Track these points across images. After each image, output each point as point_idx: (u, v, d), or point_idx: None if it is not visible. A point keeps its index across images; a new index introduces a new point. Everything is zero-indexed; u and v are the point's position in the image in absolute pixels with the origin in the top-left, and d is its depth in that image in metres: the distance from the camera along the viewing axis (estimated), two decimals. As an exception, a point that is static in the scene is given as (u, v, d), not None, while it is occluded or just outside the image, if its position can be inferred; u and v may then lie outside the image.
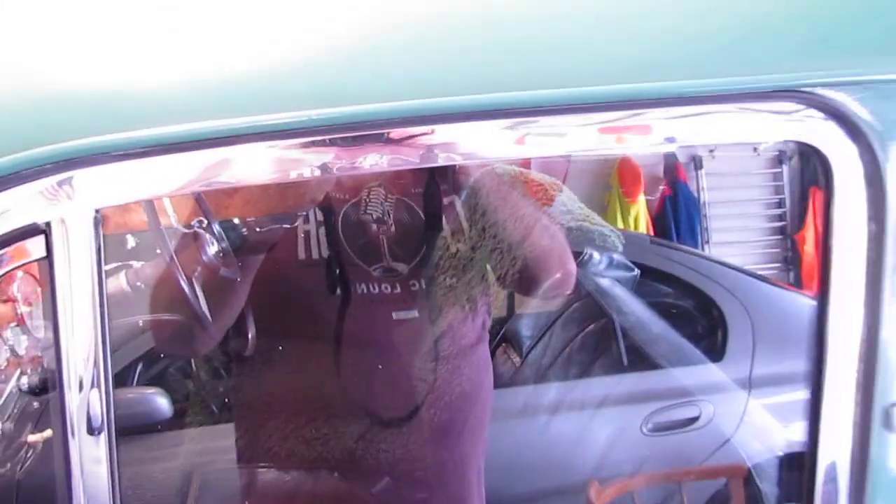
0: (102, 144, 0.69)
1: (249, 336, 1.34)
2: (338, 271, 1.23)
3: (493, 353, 2.02)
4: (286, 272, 1.26)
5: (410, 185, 1.26)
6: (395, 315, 1.26)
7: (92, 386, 0.79)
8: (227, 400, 2.16)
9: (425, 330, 1.26)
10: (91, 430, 0.80)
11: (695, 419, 2.12)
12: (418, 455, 1.34)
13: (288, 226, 1.20)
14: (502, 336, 2.10)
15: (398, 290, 1.26)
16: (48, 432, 1.78)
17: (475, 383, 1.36)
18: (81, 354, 0.77)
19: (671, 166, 4.19)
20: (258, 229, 1.23)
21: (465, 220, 1.27)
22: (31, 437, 1.77)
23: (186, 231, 2.15)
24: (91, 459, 0.80)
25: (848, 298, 0.84)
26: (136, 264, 2.12)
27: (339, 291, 1.24)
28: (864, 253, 0.82)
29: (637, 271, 1.95)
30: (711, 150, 4.10)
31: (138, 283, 2.08)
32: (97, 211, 0.72)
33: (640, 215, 4.16)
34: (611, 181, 4.10)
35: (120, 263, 2.34)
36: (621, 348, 2.01)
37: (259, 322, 1.27)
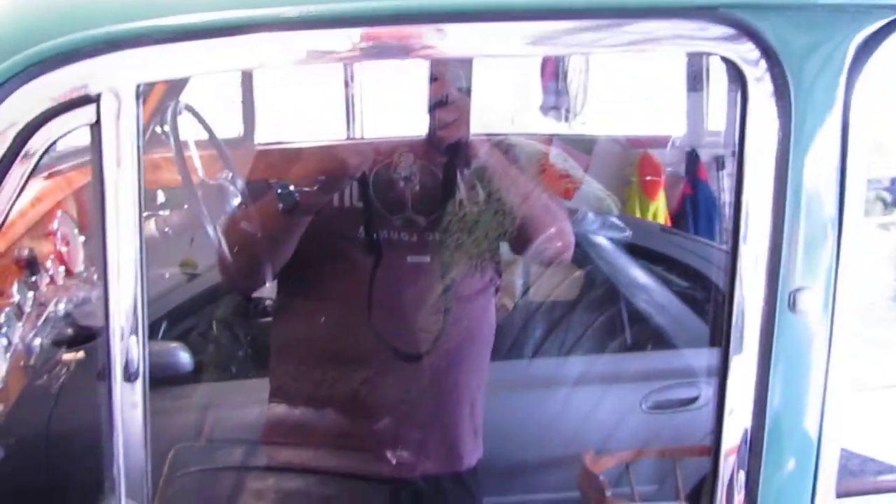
0: (145, 29, 0.89)
1: (265, 279, 1.58)
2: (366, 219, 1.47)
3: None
4: (324, 216, 1.49)
5: (436, 156, 1.50)
6: (409, 259, 1.51)
7: (131, 333, 0.98)
8: (243, 358, 2.35)
9: (435, 274, 1.49)
10: (128, 377, 0.99)
11: (694, 399, 2.23)
12: (417, 396, 1.53)
13: (332, 185, 1.45)
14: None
15: (415, 238, 1.50)
16: (81, 353, 2.00)
17: (475, 328, 1.58)
18: (126, 240, 0.96)
19: (693, 165, 4.31)
20: (307, 189, 1.47)
21: (480, 190, 1.50)
22: (66, 356, 1.98)
23: (212, 184, 2.41)
24: (129, 405, 0.98)
25: (758, 196, 1.00)
26: (165, 213, 2.34)
27: (364, 235, 1.49)
28: (773, 156, 0.99)
29: (629, 232, 2.11)
30: (734, 152, 4.21)
31: (167, 230, 2.30)
32: (139, 85, 0.92)
33: (658, 212, 4.28)
34: (631, 177, 4.24)
35: (150, 213, 2.57)
36: (624, 320, 2.11)
37: (295, 260, 1.50)
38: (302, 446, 1.59)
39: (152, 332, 2.23)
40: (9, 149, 0.93)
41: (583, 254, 2.01)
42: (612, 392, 2.18)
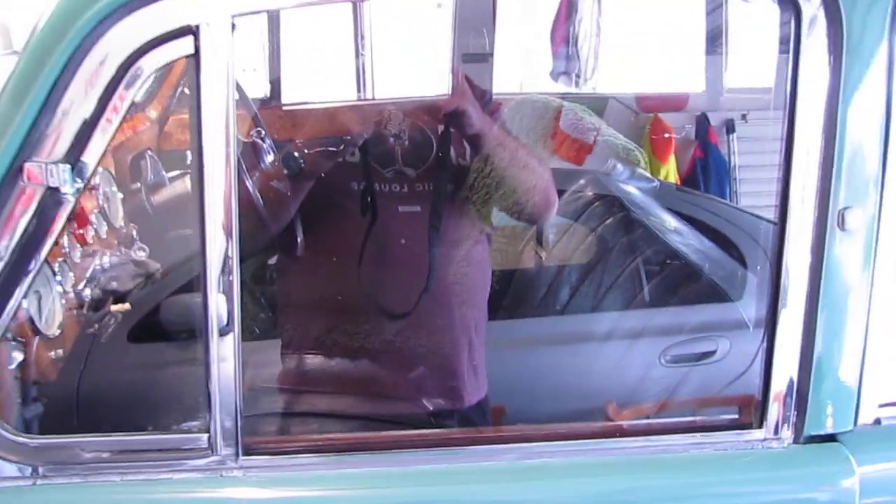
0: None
1: (299, 240, 1.67)
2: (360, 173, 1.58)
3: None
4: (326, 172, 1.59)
5: (430, 119, 1.59)
6: (400, 209, 1.61)
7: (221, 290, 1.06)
8: (265, 321, 2.43)
9: (425, 222, 1.58)
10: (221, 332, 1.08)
11: (711, 353, 2.31)
12: (413, 339, 1.63)
13: (335, 150, 1.53)
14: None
15: (406, 189, 1.61)
16: (126, 305, 2.08)
17: (467, 271, 1.68)
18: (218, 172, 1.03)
19: (703, 129, 4.38)
20: (307, 151, 1.55)
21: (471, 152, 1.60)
22: (114, 308, 2.06)
23: (246, 141, 2.49)
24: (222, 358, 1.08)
25: (812, 120, 1.08)
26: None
27: (358, 188, 1.60)
28: (826, 81, 1.06)
29: (657, 182, 2.18)
30: (744, 115, 4.29)
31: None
32: (233, 16, 0.99)
33: (670, 175, 4.36)
34: (642, 142, 4.31)
35: (184, 171, 2.64)
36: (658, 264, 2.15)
37: (304, 219, 1.58)
38: (312, 393, 1.69)
39: (186, 289, 2.30)
40: (113, 77, 1.00)
41: (615, 201, 2.08)
42: (635, 347, 2.25)
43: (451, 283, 1.64)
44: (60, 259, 1.82)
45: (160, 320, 2.05)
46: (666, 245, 2.10)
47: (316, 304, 1.67)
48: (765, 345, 1.17)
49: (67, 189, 1.02)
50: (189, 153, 2.60)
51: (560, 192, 2.06)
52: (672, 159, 4.26)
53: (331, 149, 1.55)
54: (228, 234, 1.08)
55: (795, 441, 1.17)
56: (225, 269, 1.09)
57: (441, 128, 1.57)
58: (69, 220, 1.95)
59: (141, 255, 2.29)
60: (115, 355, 2.10)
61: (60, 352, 1.73)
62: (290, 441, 1.20)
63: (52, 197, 1.03)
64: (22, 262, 1.05)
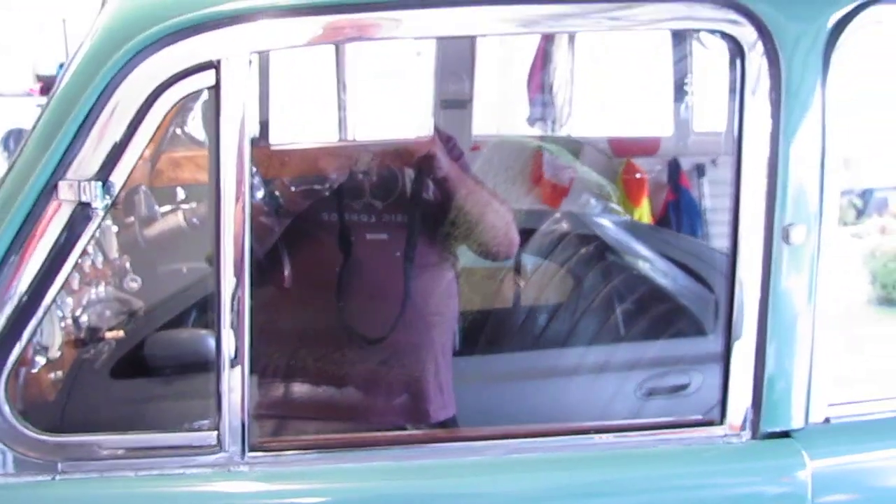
0: (259, 7, 1.12)
1: (286, 273, 1.82)
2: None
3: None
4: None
5: (404, 163, 1.79)
6: (368, 236, 1.79)
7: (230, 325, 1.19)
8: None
9: (392, 249, 1.76)
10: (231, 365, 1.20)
11: (685, 386, 2.45)
12: (384, 361, 1.79)
13: (313, 190, 1.71)
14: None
15: (373, 219, 1.80)
16: (120, 333, 2.18)
17: (434, 294, 1.84)
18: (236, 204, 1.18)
19: (675, 173, 4.60)
20: (293, 189, 1.72)
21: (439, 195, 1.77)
22: (108, 334, 2.16)
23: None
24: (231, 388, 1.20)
25: (756, 148, 1.25)
26: (189, 206, 2.53)
27: (328, 218, 1.77)
28: (768, 114, 1.24)
29: (628, 217, 2.34)
30: (714, 160, 4.51)
31: (194, 220, 2.50)
32: (251, 53, 1.14)
33: (643, 218, 4.56)
34: (616, 185, 4.51)
35: (175, 206, 2.76)
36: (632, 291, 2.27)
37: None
38: (278, 418, 1.78)
39: (182, 321, 2.40)
40: (143, 104, 1.14)
41: (588, 232, 2.24)
42: (610, 380, 2.36)
43: (418, 307, 1.79)
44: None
45: (145, 356, 2.15)
46: (641, 279, 2.24)
47: (286, 330, 1.81)
48: (723, 348, 1.31)
49: (98, 204, 1.15)
50: (179, 189, 2.73)
51: (532, 230, 2.23)
52: (645, 202, 4.46)
53: (309, 189, 1.73)
54: (239, 271, 1.21)
55: (753, 437, 1.31)
56: (235, 306, 1.22)
57: (410, 170, 1.77)
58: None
59: (133, 285, 2.40)
60: (97, 391, 2.18)
61: (60, 373, 1.84)
62: (294, 439, 1.31)
63: (83, 212, 1.16)
64: (52, 271, 1.18)
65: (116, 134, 1.15)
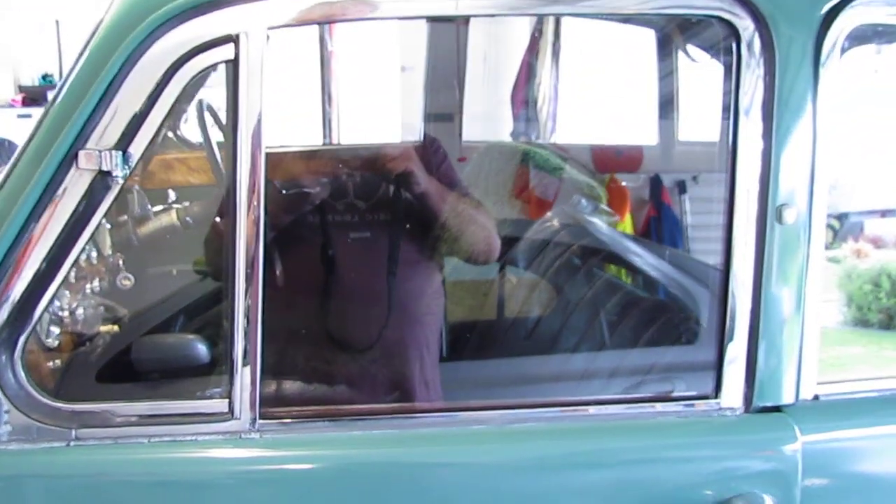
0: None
1: (278, 272, 1.85)
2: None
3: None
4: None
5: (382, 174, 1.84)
6: (352, 235, 1.83)
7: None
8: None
9: (376, 246, 1.81)
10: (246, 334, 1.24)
11: (669, 393, 2.50)
12: (369, 355, 1.81)
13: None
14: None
15: (356, 218, 1.84)
16: (115, 327, 2.19)
17: (419, 290, 1.87)
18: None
19: (657, 189, 4.70)
20: (284, 192, 1.75)
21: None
22: (103, 328, 2.17)
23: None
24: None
25: (751, 131, 1.31)
26: (185, 204, 2.56)
27: (314, 220, 1.80)
28: (762, 97, 1.30)
29: (618, 216, 2.40)
30: (695, 177, 4.62)
31: (187, 219, 2.53)
32: (268, 28, 1.19)
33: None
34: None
35: (168, 206, 2.78)
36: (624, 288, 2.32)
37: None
38: None
39: (170, 326, 2.41)
40: (163, 77, 1.18)
41: (582, 231, 2.30)
42: (596, 386, 2.41)
43: (402, 304, 1.83)
44: (59, 278, 1.95)
45: (132, 360, 2.16)
46: (639, 268, 2.30)
47: (273, 332, 1.83)
48: (718, 325, 1.37)
49: (118, 173, 1.19)
50: (171, 191, 2.75)
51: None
52: (628, 217, 4.56)
53: (293, 201, 1.75)
54: (254, 240, 1.25)
55: (746, 411, 1.37)
56: (249, 275, 1.25)
57: (397, 192, 1.80)
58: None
59: (126, 283, 2.41)
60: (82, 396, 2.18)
61: (58, 362, 1.85)
62: (303, 409, 1.34)
63: (103, 181, 1.20)
64: (71, 239, 1.21)
65: (136, 105, 1.19)
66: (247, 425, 1.25)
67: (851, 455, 1.41)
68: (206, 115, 2.66)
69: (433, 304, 1.93)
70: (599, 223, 2.37)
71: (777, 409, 1.38)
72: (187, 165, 2.66)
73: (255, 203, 1.23)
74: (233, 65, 1.20)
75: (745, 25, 1.28)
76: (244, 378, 1.25)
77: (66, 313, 1.99)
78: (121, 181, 1.21)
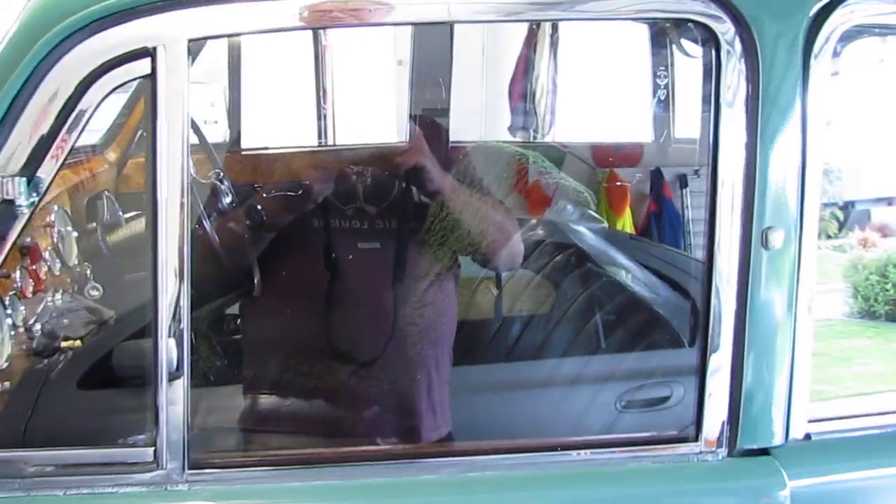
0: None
1: (256, 280, 1.71)
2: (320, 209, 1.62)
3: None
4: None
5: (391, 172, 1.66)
6: (360, 245, 1.66)
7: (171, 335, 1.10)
8: (220, 368, 2.44)
9: (385, 258, 1.64)
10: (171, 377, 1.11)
11: (666, 398, 2.37)
12: (373, 378, 1.66)
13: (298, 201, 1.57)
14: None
15: (365, 225, 1.66)
16: (77, 342, 2.07)
17: (429, 308, 1.70)
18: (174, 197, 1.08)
19: (657, 184, 4.55)
20: (270, 201, 1.59)
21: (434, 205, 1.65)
22: (64, 344, 2.06)
23: (204, 182, 2.54)
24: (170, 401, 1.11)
25: (733, 143, 1.17)
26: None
27: (318, 224, 1.63)
28: (744, 107, 1.16)
29: (605, 224, 2.26)
30: (696, 171, 4.46)
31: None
32: (189, 41, 1.05)
33: (626, 228, 4.50)
34: (599, 196, 4.45)
35: (140, 212, 2.66)
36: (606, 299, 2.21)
37: (263, 257, 1.63)
38: (267, 433, 1.67)
39: (142, 334, 2.29)
40: (72, 94, 1.05)
41: (565, 239, 2.16)
42: (590, 392, 2.29)
43: (411, 320, 1.67)
44: (11, 293, 1.83)
45: (112, 366, 2.04)
46: (620, 289, 2.17)
47: (274, 342, 1.70)
48: (699, 360, 1.23)
49: (23, 201, 1.06)
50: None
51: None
52: (628, 212, 4.41)
53: (293, 200, 1.59)
54: (180, 275, 1.12)
55: (730, 454, 1.22)
56: (176, 315, 1.12)
57: (408, 189, 1.62)
58: (21, 255, 1.99)
59: (94, 293, 2.29)
60: (64, 402, 2.08)
61: (7, 384, 1.73)
62: (239, 455, 1.22)
63: (7, 210, 1.07)
64: (-26, 275, 1.08)
65: (44, 126, 1.05)
66: (175, 475, 1.12)
67: (847, 501, 1.27)
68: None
69: (445, 321, 1.75)
70: (585, 231, 2.22)
71: (764, 451, 1.23)
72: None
73: (181, 238, 1.10)
74: (150, 81, 1.06)
75: (725, 29, 1.13)
76: (172, 423, 1.13)
77: (21, 330, 1.88)
78: (26, 210, 1.07)
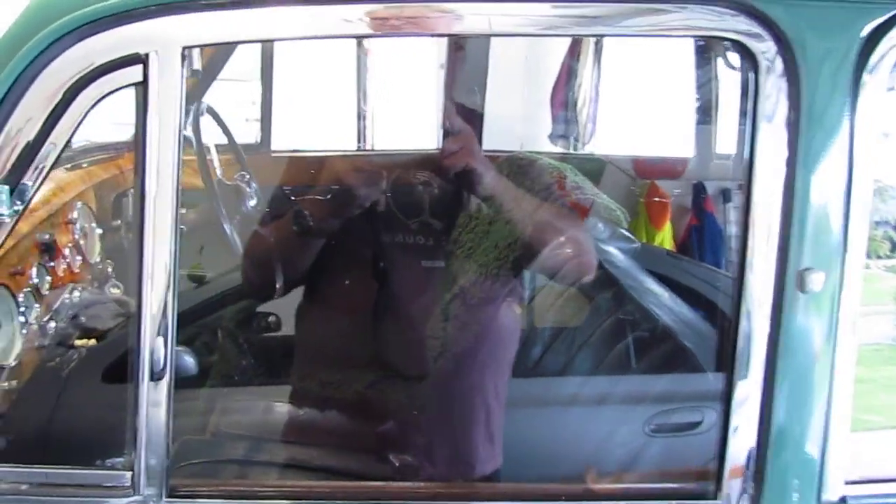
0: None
1: (277, 285, 1.61)
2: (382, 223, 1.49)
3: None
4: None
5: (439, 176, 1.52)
6: (423, 263, 1.51)
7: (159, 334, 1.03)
8: (246, 368, 2.38)
9: (448, 279, 1.50)
10: (154, 377, 1.04)
11: (697, 423, 2.25)
12: (425, 400, 1.56)
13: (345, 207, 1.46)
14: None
15: (431, 242, 1.51)
16: (92, 341, 2.03)
17: (488, 333, 1.58)
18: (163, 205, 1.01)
19: (699, 197, 4.38)
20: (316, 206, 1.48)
21: (486, 209, 1.51)
22: (78, 342, 2.01)
23: (229, 184, 2.46)
24: (153, 403, 1.04)
25: (770, 164, 1.05)
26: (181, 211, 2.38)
27: (379, 239, 1.50)
28: (784, 127, 1.04)
29: (638, 244, 2.14)
30: (740, 185, 4.30)
31: (181, 227, 2.34)
32: (184, 48, 0.98)
33: (665, 242, 4.35)
34: (638, 208, 4.31)
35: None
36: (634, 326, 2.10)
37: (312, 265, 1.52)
38: (315, 446, 1.58)
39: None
40: (60, 101, 0.98)
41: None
42: (618, 413, 2.19)
43: (470, 347, 1.54)
44: (27, 290, 1.79)
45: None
46: (649, 312, 2.05)
47: (324, 355, 1.60)
48: (721, 412, 1.12)
49: (4, 211, 0.99)
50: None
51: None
52: (668, 226, 4.25)
53: (339, 211, 1.48)
54: (170, 273, 1.05)
55: (750, 518, 1.11)
56: (165, 311, 1.05)
57: (458, 191, 1.49)
58: (40, 251, 1.94)
59: (115, 292, 2.25)
60: (89, 396, 2.04)
61: (14, 383, 1.69)
62: (222, 484, 1.14)
63: (-12, 221, 1.01)
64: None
65: (29, 133, 0.99)
66: (151, 502, 1.05)
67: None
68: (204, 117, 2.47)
69: (508, 346, 1.63)
70: (615, 252, 2.10)
71: (792, 516, 1.12)
72: (192, 168, 2.49)
73: (167, 252, 1.03)
74: (142, 89, 0.99)
75: (766, 47, 1.02)
76: (151, 446, 1.05)
77: (34, 328, 1.84)
78: (8, 220, 1.01)
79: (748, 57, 1.03)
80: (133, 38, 0.98)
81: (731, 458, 1.10)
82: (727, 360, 1.10)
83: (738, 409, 1.10)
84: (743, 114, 1.08)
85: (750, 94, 1.03)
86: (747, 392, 1.10)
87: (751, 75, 1.03)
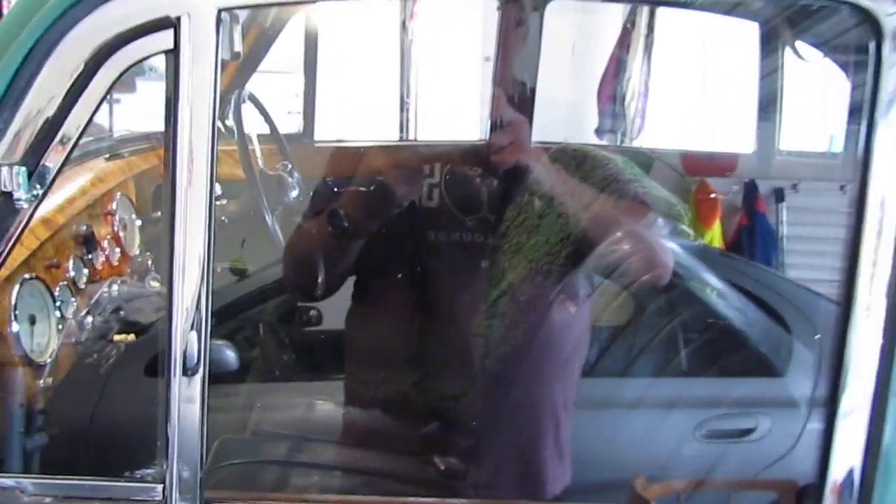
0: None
1: (319, 280, 1.48)
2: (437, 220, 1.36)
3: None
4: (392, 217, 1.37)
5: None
6: (483, 264, 1.37)
7: (192, 328, 0.92)
8: (288, 363, 2.29)
9: (497, 276, 1.35)
10: (186, 371, 0.93)
11: (751, 430, 2.11)
12: (468, 403, 1.43)
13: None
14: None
15: (489, 240, 1.37)
16: (131, 336, 1.94)
17: (550, 337, 1.44)
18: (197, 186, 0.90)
19: (751, 196, 4.18)
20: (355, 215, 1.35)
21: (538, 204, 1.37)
22: (117, 337, 1.93)
23: (271, 174, 2.34)
24: (186, 399, 0.93)
25: (891, 173, 0.89)
26: (222, 202, 2.30)
27: (435, 237, 1.37)
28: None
29: (700, 241, 1.99)
30: (795, 185, 4.08)
31: (223, 218, 2.25)
32: (220, 10, 0.86)
33: (714, 241, 4.16)
34: (687, 205, 4.13)
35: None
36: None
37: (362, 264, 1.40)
38: (368, 449, 1.48)
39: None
40: (84, 71, 0.87)
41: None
42: (668, 417, 2.06)
43: (538, 352, 1.42)
44: (63, 283, 1.70)
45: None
46: (707, 310, 1.90)
47: (379, 359, 1.48)
48: (824, 427, 0.96)
49: (22, 195, 0.88)
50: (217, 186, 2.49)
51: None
52: (717, 225, 4.07)
53: (375, 213, 1.34)
54: (203, 264, 0.93)
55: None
56: (199, 305, 0.93)
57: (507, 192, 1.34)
58: (77, 244, 1.85)
59: (155, 285, 2.17)
60: (130, 392, 1.96)
61: (51, 380, 1.60)
62: (257, 498, 1.02)
63: (6, 204, 0.90)
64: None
65: (48, 109, 0.87)
66: (183, 520, 0.94)
67: None
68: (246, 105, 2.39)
69: (578, 354, 1.50)
70: (675, 248, 1.95)
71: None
72: (234, 158, 2.39)
73: (201, 241, 0.91)
74: (172, 56, 0.87)
75: (890, 10, 0.86)
76: (185, 458, 0.94)
77: (71, 323, 1.76)
78: (26, 205, 0.90)
79: (869, 24, 0.87)
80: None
81: (833, 478, 0.95)
82: (832, 369, 0.94)
83: (842, 424, 0.95)
84: (855, 94, 0.92)
85: (870, 73, 0.87)
86: (853, 407, 0.94)
87: (871, 46, 0.87)
